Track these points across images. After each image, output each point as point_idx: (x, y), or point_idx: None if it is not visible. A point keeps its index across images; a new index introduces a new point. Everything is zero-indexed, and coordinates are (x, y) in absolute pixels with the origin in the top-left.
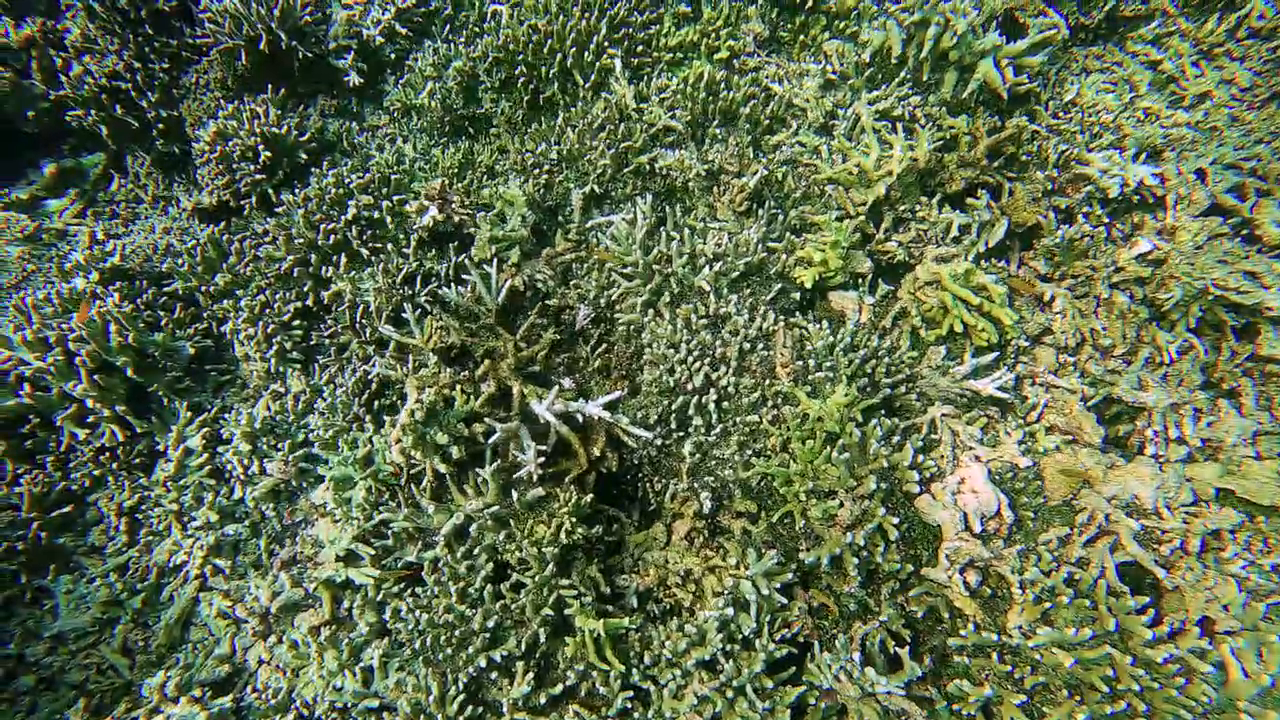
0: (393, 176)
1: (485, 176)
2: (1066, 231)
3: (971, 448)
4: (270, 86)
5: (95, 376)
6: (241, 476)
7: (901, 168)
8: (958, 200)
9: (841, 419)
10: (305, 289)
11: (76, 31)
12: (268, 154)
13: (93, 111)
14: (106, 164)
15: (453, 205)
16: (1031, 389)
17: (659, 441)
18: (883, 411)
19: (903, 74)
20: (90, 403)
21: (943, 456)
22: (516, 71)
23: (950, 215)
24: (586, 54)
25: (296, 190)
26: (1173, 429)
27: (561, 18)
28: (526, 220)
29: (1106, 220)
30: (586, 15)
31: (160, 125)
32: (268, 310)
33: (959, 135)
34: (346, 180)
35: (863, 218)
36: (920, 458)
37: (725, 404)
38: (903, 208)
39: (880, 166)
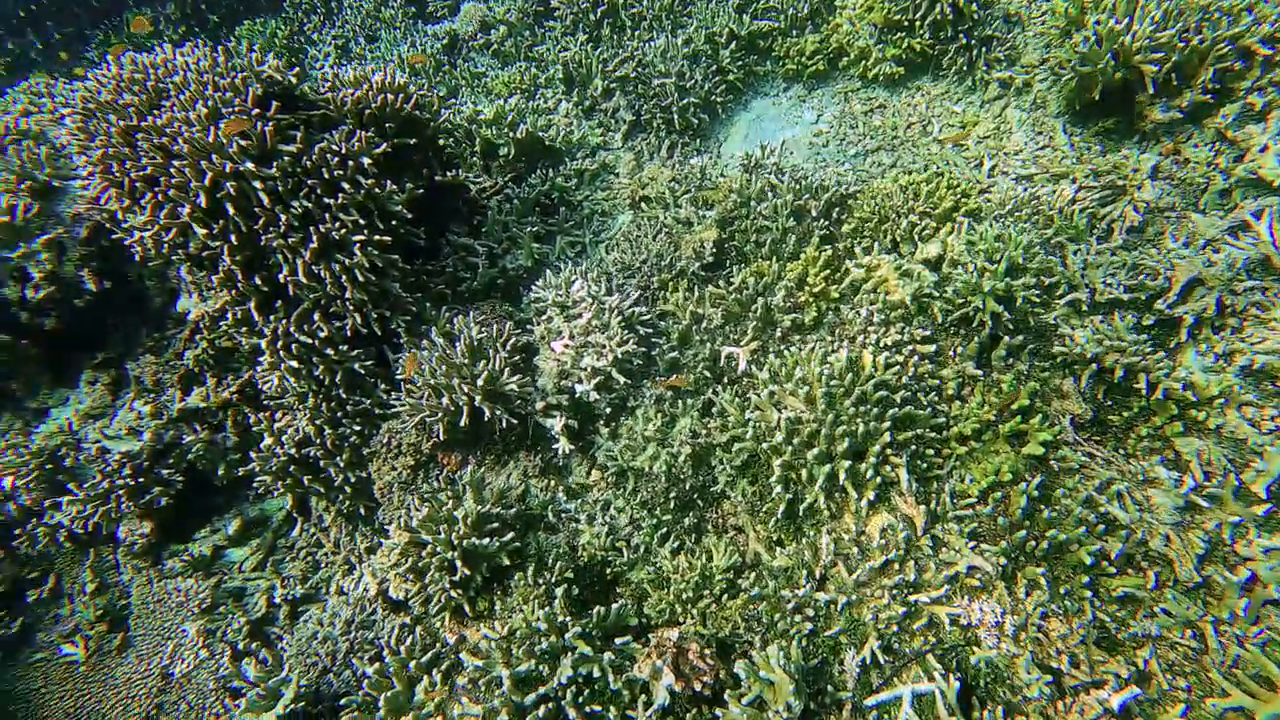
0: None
1: (726, 594)
2: None
3: None
4: (467, 452)
5: None
6: None
7: None
8: None
9: None
10: None
11: (276, 381)
12: (466, 570)
13: (280, 484)
14: (292, 507)
15: (692, 661)
16: None
17: None
18: None
19: None
20: None
21: None
22: (773, 478)
23: None
24: (863, 465)
25: (497, 609)
26: None
27: (831, 416)
28: (793, 710)
29: None
30: (863, 414)
31: (348, 489)
32: None
33: None
34: (561, 623)
35: None
36: None
37: None
38: None
39: None
